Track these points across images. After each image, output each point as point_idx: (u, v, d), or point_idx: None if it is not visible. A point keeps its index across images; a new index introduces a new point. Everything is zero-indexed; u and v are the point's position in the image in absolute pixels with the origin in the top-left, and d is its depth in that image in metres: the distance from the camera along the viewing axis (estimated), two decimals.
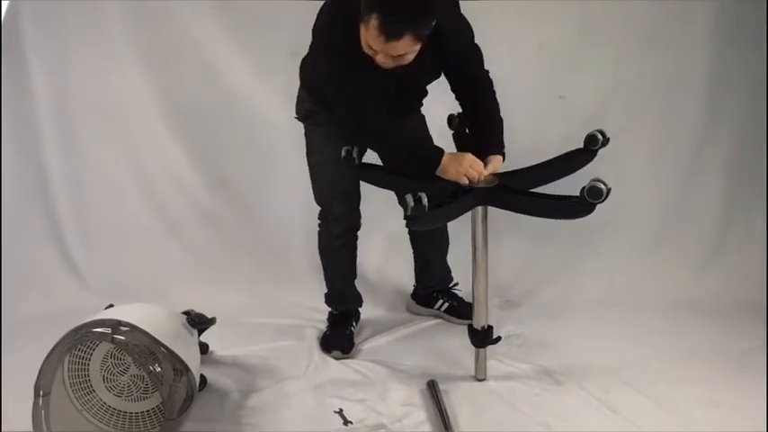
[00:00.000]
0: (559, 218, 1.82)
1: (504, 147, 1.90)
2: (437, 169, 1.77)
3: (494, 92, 1.93)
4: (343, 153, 1.86)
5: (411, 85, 1.90)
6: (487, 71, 1.93)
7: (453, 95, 1.96)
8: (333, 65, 1.73)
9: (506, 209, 1.76)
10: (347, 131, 1.84)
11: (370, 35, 1.60)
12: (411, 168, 1.85)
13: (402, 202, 2.22)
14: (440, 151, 1.78)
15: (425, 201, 1.57)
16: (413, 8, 1.57)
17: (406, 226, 1.82)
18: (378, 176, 1.96)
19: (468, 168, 1.75)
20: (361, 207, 2.12)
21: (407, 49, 1.62)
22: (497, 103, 1.93)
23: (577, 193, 1.60)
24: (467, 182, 1.75)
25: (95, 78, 2.57)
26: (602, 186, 1.56)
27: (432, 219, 1.71)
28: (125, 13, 2.51)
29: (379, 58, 1.67)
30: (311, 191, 2.10)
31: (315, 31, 1.78)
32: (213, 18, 2.54)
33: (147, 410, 1.73)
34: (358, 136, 1.84)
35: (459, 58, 1.86)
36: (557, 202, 1.70)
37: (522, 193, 1.78)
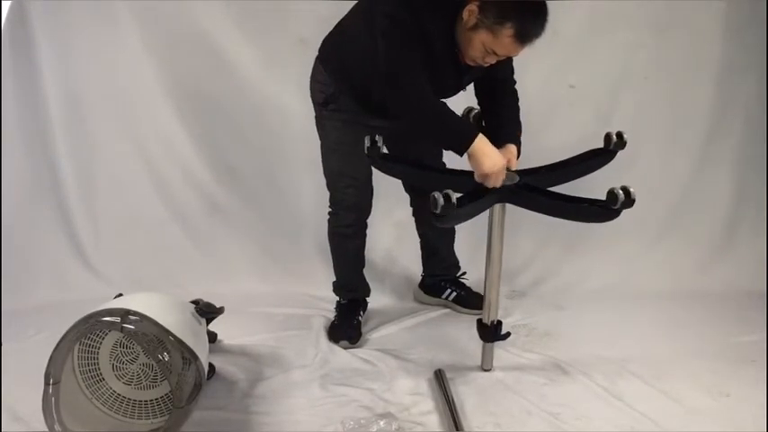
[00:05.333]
0: (582, 221, 1.80)
1: (520, 141, 1.87)
2: (469, 149, 1.69)
3: (517, 98, 1.93)
4: (367, 143, 1.83)
5: (469, 80, 1.91)
6: (515, 81, 1.93)
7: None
8: (407, 53, 1.68)
9: (528, 208, 1.74)
10: (388, 92, 1.72)
11: (501, 42, 1.64)
12: (440, 141, 1.85)
13: (408, 189, 2.23)
14: (475, 131, 1.72)
15: (455, 199, 1.54)
16: (544, 14, 1.63)
17: (432, 221, 1.69)
18: (400, 168, 1.93)
19: (502, 171, 1.70)
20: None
21: None
22: (518, 108, 1.93)
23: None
24: (491, 185, 1.71)
25: (104, 69, 2.56)
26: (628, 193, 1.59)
27: (459, 217, 1.66)
28: (133, 3, 2.50)
29: (488, 59, 1.71)
30: (321, 181, 2.09)
31: (391, 14, 1.69)
32: (221, 6, 2.53)
33: (156, 399, 1.74)
34: (398, 99, 1.72)
35: (501, 59, 1.78)
36: (580, 205, 1.68)
37: (544, 193, 1.75)
